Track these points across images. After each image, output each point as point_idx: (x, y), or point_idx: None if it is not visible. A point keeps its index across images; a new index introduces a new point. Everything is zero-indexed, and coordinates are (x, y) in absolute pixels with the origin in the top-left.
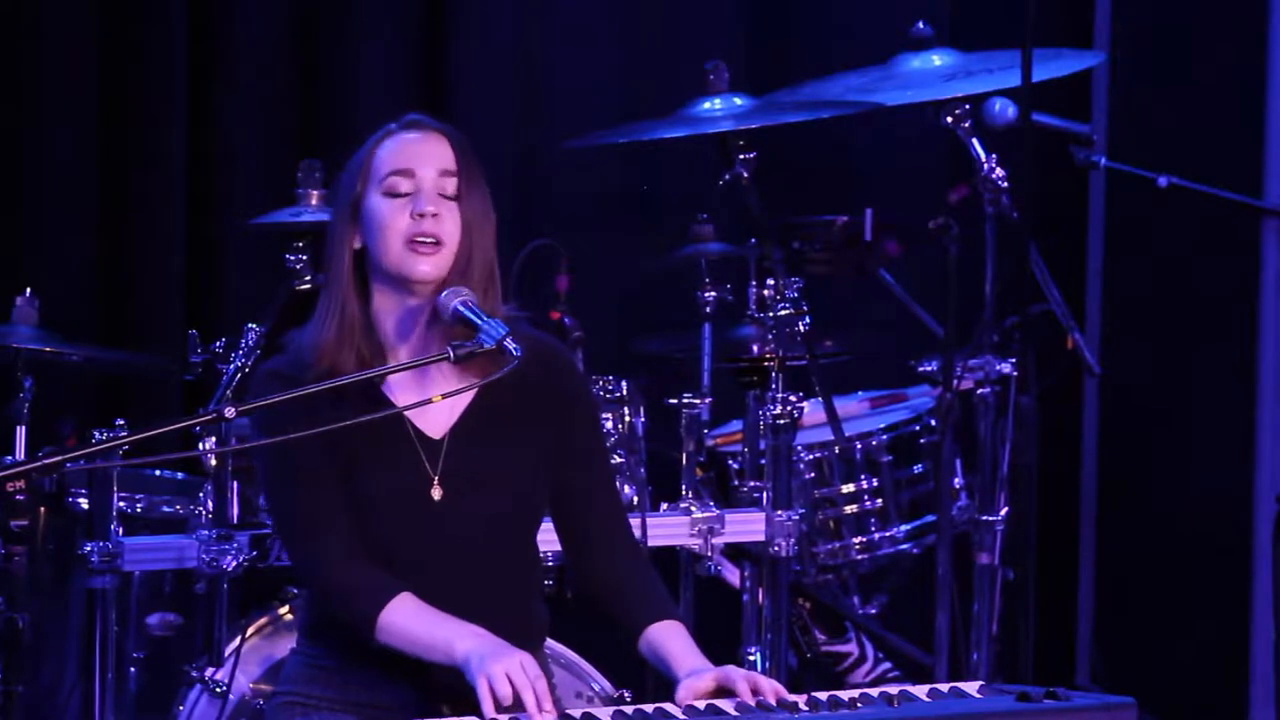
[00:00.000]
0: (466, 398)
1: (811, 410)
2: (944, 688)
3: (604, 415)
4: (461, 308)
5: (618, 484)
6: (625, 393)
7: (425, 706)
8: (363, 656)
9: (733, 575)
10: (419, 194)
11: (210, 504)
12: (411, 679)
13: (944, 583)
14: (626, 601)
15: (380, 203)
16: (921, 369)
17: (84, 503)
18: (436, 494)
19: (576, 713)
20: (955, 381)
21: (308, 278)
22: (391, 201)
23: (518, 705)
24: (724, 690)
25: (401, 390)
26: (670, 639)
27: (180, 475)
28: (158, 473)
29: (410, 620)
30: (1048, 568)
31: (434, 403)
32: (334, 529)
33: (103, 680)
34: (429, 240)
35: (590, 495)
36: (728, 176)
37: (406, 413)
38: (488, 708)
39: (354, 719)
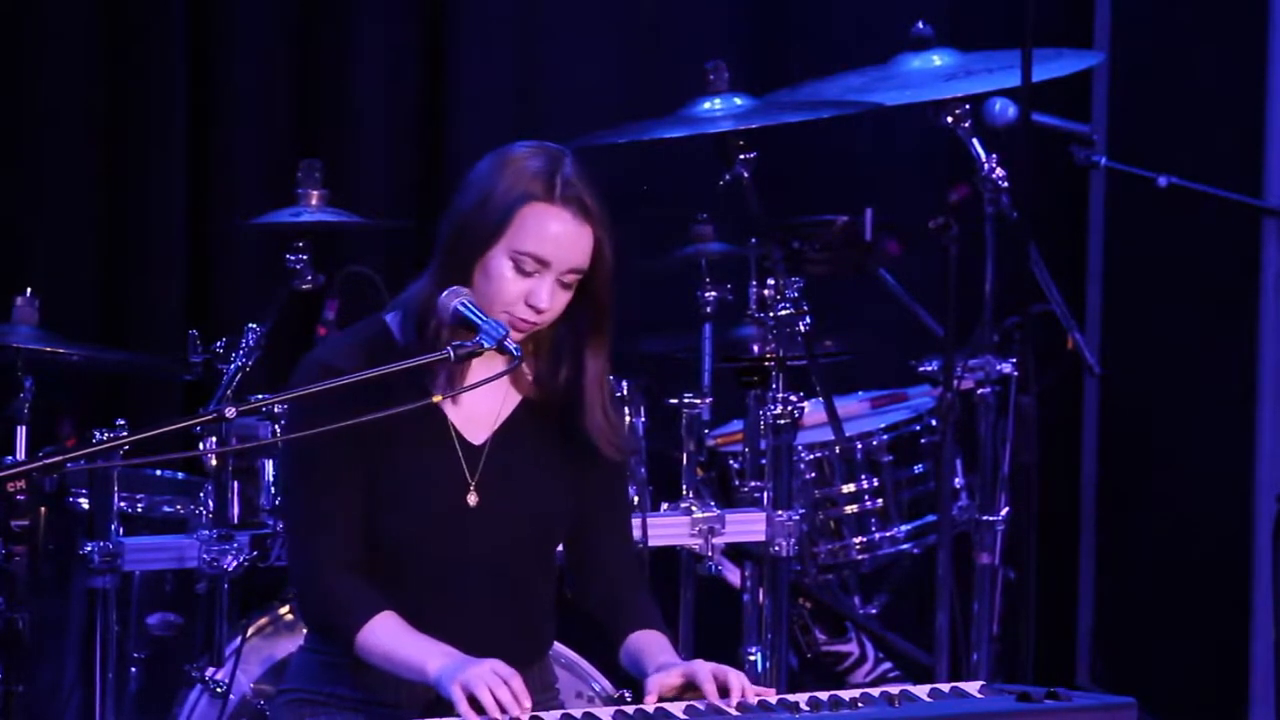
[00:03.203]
0: (510, 406)
1: (812, 410)
2: (945, 688)
3: None
4: (461, 308)
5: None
6: (625, 393)
7: (436, 704)
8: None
9: (733, 575)
10: (541, 285)
11: (211, 504)
12: None
13: (944, 583)
14: (616, 617)
15: (503, 265)
16: (921, 369)
17: (84, 503)
18: (472, 499)
19: (577, 713)
20: (955, 381)
21: (308, 277)
22: (514, 272)
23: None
24: (691, 685)
25: (461, 397)
26: (648, 643)
27: (180, 475)
28: (158, 473)
29: (388, 640)
30: (1048, 568)
31: (435, 403)
32: (331, 538)
33: (103, 680)
34: (528, 324)
35: (605, 522)
36: (728, 176)
37: (450, 417)
38: (464, 710)
39: (363, 717)
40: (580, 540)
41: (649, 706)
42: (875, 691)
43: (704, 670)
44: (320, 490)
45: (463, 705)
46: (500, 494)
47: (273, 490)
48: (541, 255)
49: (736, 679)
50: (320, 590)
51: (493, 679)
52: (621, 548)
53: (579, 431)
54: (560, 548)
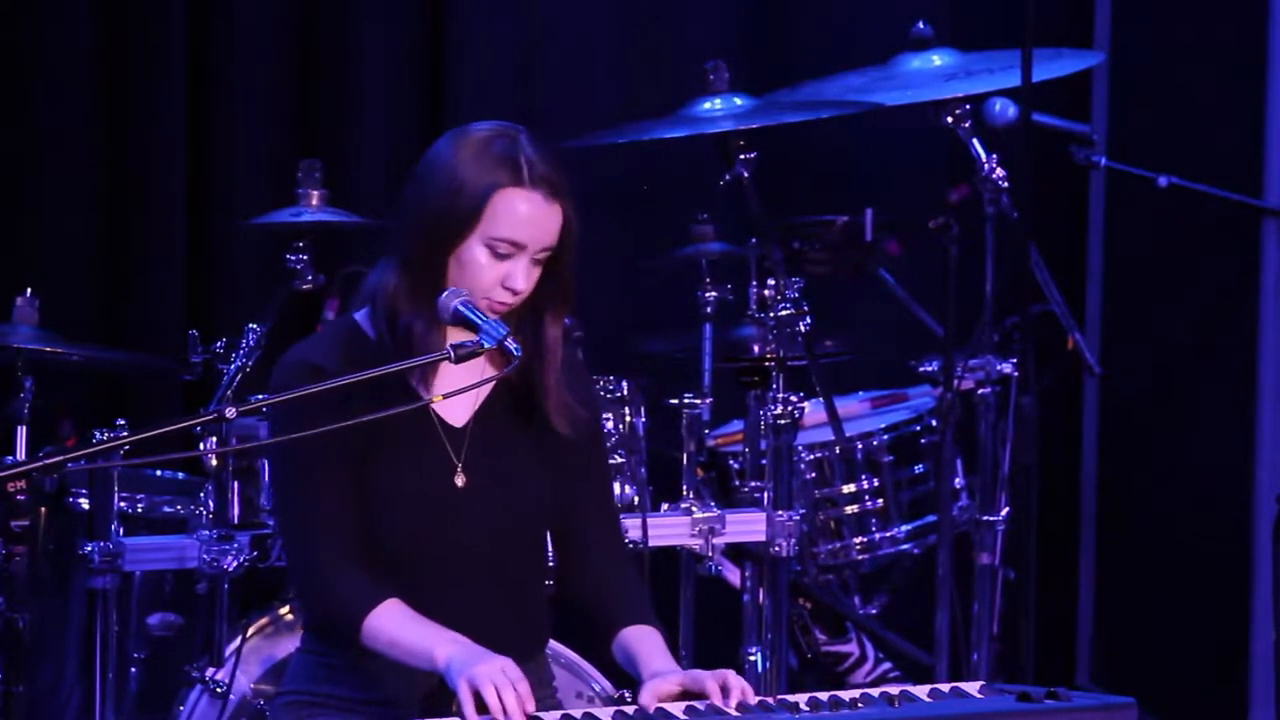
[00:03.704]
0: (486, 388)
1: (812, 410)
2: (945, 688)
3: (604, 415)
4: (461, 308)
5: (617, 485)
6: (625, 393)
7: (435, 704)
8: (372, 654)
9: (733, 575)
10: (516, 268)
11: (211, 504)
12: (422, 676)
13: (944, 583)
14: (606, 605)
15: (479, 252)
16: (922, 369)
17: (84, 503)
18: (460, 481)
19: (577, 713)
20: (956, 381)
21: (308, 277)
22: (489, 258)
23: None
24: (689, 694)
25: (427, 381)
26: (642, 642)
27: (180, 475)
28: (158, 473)
29: (394, 626)
30: (1048, 568)
31: (435, 403)
32: (329, 533)
33: (103, 680)
34: (505, 306)
35: (587, 503)
36: (728, 176)
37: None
38: (469, 711)
39: (362, 717)
40: (564, 525)
41: (649, 707)
42: (875, 691)
43: (706, 675)
44: (313, 489)
45: (468, 707)
46: (487, 474)
47: (272, 490)
48: (516, 239)
49: (736, 680)
50: (321, 587)
51: (501, 680)
52: (607, 531)
53: (540, 408)
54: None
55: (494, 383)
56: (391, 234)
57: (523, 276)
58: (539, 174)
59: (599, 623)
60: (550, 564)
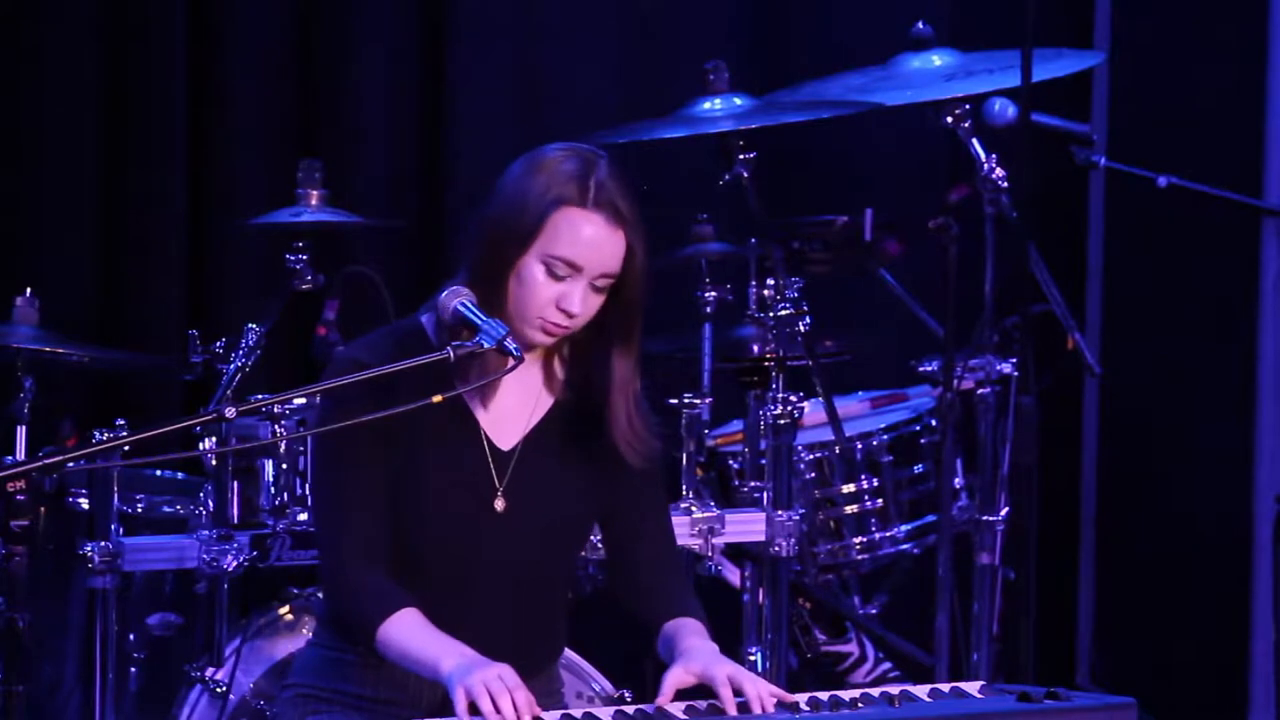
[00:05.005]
0: (541, 411)
1: (812, 410)
2: (945, 688)
3: None
4: (461, 308)
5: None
6: None
7: (444, 707)
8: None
9: (733, 575)
10: (573, 289)
11: (210, 504)
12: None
13: (944, 583)
14: (654, 608)
15: (536, 270)
16: (922, 369)
17: (84, 503)
18: (499, 505)
19: (577, 713)
20: (956, 381)
21: (308, 277)
22: (547, 276)
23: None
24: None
25: (482, 399)
26: (679, 628)
27: (180, 475)
28: (158, 473)
29: (407, 635)
30: (1048, 568)
31: (435, 402)
32: (359, 526)
33: (103, 680)
34: (561, 329)
35: (638, 510)
36: (728, 176)
37: (480, 421)
38: (461, 712)
39: (366, 715)
40: (619, 542)
41: (649, 706)
42: (875, 691)
43: (720, 675)
44: (348, 484)
45: (460, 705)
46: (528, 500)
47: (272, 491)
48: (574, 260)
49: (752, 688)
50: (342, 585)
51: (497, 686)
52: (662, 548)
53: (606, 437)
54: (604, 549)
55: (550, 406)
56: (462, 247)
57: (579, 300)
58: (605, 198)
59: (646, 626)
60: (579, 571)
